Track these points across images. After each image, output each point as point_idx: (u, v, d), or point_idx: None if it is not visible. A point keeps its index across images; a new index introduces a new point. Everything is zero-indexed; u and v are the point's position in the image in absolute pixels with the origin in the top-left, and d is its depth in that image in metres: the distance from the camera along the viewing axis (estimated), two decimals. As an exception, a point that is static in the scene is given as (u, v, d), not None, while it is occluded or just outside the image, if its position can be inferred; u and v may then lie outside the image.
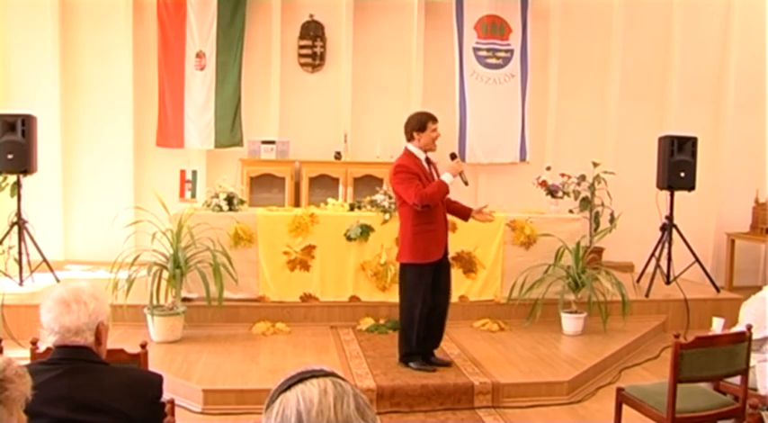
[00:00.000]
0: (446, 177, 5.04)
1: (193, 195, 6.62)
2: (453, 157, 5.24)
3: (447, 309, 5.36)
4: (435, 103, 7.88)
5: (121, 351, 3.05)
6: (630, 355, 6.06)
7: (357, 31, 8.68)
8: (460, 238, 6.57)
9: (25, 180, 6.93)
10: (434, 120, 5.13)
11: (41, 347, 2.90)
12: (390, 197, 6.60)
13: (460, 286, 6.69)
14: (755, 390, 3.98)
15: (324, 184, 8.16)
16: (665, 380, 3.71)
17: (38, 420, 2.10)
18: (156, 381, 2.53)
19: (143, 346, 3.16)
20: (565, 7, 8.97)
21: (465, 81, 8.66)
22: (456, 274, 6.52)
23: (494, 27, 8.66)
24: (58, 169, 8.21)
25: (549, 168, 7.78)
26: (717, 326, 4.13)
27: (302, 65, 8.71)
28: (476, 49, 8.64)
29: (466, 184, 5.17)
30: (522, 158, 8.73)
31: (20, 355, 2.37)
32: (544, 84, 8.97)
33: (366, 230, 6.60)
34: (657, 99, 9.13)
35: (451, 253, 6.29)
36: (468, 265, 6.78)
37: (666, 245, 7.30)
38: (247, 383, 4.88)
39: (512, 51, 8.69)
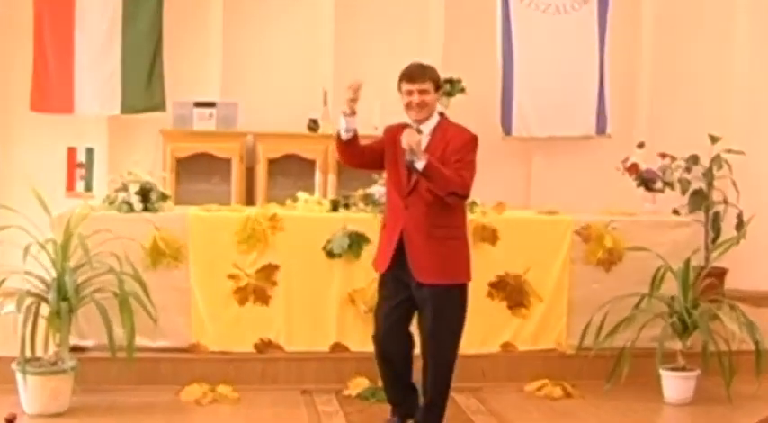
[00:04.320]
0: (340, 123, 4.88)
1: (88, 187, 6.23)
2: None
3: (428, 367, 4.89)
4: (464, 45, 7.56)
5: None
6: (770, 435, 5.22)
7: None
8: (503, 255, 6.04)
9: None
10: (407, 79, 4.97)
11: None
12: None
13: (504, 328, 6.09)
14: None
15: (292, 170, 7.75)
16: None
17: None
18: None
19: (10, 420, 3.60)
20: None
21: (511, 10, 7.85)
22: (498, 308, 6.06)
23: None
24: None
25: (641, 145, 7.09)
26: None
27: (258, -13, 7.89)
28: None
29: (410, 166, 4.78)
30: (601, 131, 8.08)
31: None
32: (636, 12, 8.17)
33: (357, 241, 5.95)
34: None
35: (491, 277, 6.07)
36: (517, 295, 6.09)
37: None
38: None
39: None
